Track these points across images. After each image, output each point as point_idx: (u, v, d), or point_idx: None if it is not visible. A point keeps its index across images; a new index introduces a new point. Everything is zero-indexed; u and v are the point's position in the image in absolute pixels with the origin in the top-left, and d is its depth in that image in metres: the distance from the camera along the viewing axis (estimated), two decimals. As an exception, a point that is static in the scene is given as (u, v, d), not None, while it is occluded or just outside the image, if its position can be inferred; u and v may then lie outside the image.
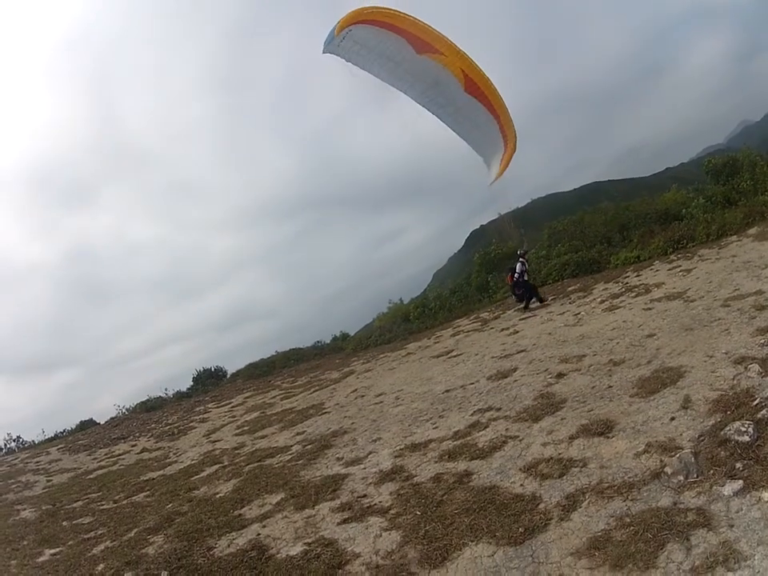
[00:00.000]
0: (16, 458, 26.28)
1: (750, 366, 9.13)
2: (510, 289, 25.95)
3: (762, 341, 10.10)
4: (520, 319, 21.85)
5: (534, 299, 24.17)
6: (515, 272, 24.46)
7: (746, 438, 6.96)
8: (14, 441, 32.88)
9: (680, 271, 19.35)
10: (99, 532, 11.26)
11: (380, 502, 8.95)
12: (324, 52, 12.44)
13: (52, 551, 10.79)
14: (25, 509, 14.54)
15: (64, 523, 12.57)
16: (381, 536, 7.86)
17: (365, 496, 9.37)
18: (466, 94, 12.46)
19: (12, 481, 19.43)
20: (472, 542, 6.97)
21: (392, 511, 8.47)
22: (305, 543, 8.31)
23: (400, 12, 12.06)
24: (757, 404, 7.77)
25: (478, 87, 12.51)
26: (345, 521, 8.65)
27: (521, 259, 24.52)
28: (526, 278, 24.41)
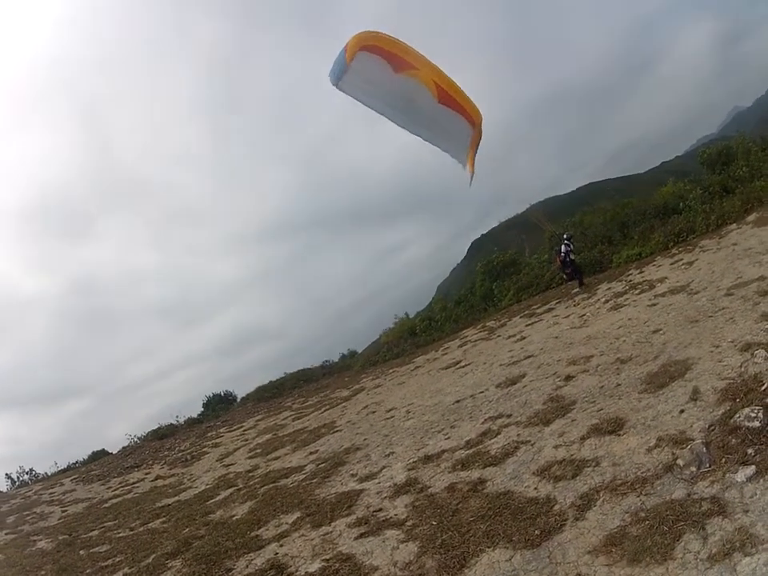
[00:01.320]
0: (30, 490, 26.40)
1: (756, 351, 9.10)
2: (560, 270, 26.75)
3: (767, 326, 10.08)
4: (526, 325, 21.81)
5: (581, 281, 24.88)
6: (561, 252, 25.26)
7: (757, 424, 6.96)
8: (26, 473, 33.02)
9: (682, 264, 19.35)
10: (117, 559, 11.32)
11: (396, 514, 8.95)
12: (338, 85, 11.27)
13: (70, 580, 10.84)
14: (41, 539, 14.61)
15: (81, 552, 12.63)
16: (398, 548, 7.84)
17: (380, 510, 9.36)
18: (439, 105, 12.41)
19: (27, 512, 19.50)
20: (489, 547, 6.95)
21: (408, 523, 8.46)
22: (323, 560, 8.30)
23: (383, 34, 11.97)
24: (765, 389, 7.77)
25: (448, 95, 12.48)
26: (361, 535, 8.64)
27: (566, 241, 25.33)
28: (572, 258, 25.23)
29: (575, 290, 24.37)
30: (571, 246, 25.31)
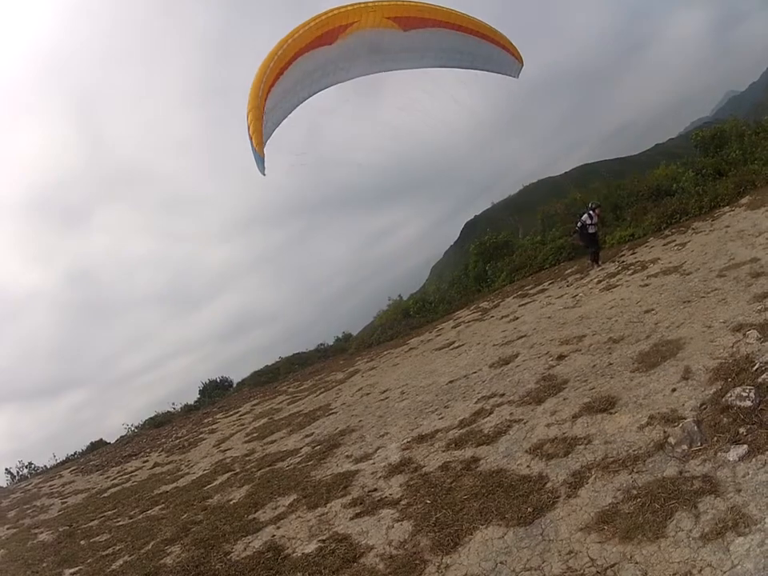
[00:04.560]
0: (29, 484, 26.55)
1: (748, 332, 9.17)
2: (573, 238, 25.23)
3: (760, 307, 10.13)
4: (519, 305, 21.86)
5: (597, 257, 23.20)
6: (579, 221, 23.35)
7: (748, 403, 7.02)
8: (26, 467, 33.08)
9: (675, 245, 19.37)
10: (117, 548, 11.37)
11: (390, 494, 9.05)
12: (265, 173, 11.58)
13: (71, 570, 10.92)
14: (42, 532, 14.66)
15: (82, 542, 12.68)
16: (393, 527, 7.94)
17: (375, 490, 9.46)
18: (409, 32, 12.28)
19: (27, 506, 19.60)
20: (482, 525, 7.04)
21: (403, 502, 8.56)
22: (319, 540, 8.40)
23: (288, 38, 11.74)
24: (757, 369, 7.83)
25: (416, 18, 12.35)
26: (357, 515, 8.75)
27: (589, 210, 23.15)
28: (592, 231, 23.03)
29: (587, 264, 23.56)
30: (594, 218, 22.88)
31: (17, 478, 32.01)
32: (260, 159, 11.14)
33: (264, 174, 11.25)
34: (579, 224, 23.24)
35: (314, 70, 12.15)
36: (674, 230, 22.18)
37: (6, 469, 32.76)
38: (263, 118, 11.30)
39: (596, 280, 19.50)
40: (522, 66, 15.64)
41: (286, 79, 11.71)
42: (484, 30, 14.17)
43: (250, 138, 11.09)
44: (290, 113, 12.51)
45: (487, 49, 14.42)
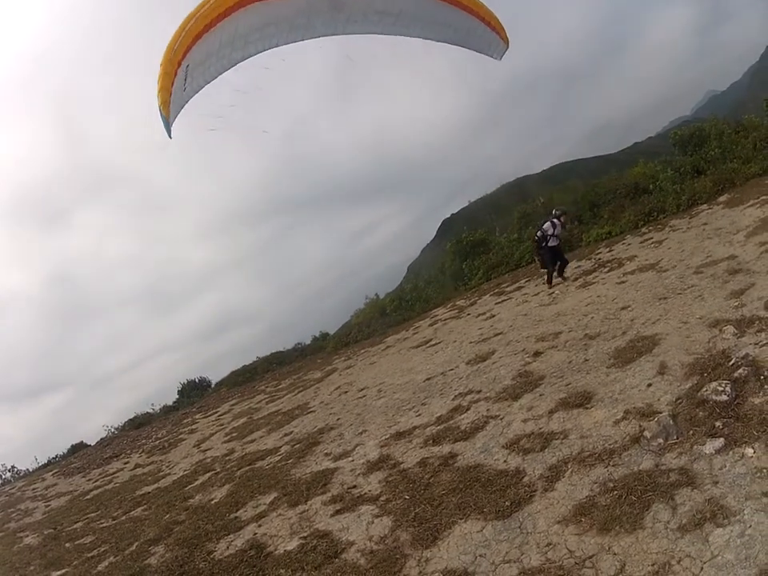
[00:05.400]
0: (13, 488, 26.66)
1: (725, 328, 9.28)
2: (534, 251, 21.51)
3: (736, 303, 10.25)
4: (496, 303, 21.95)
5: (561, 269, 20.04)
6: (537, 233, 19.76)
7: (724, 398, 7.11)
8: (9, 471, 33.01)
9: (652, 243, 19.55)
10: (102, 549, 11.39)
11: (370, 490, 9.09)
12: (171, 136, 10.43)
13: (58, 573, 10.95)
14: (27, 535, 14.69)
15: (67, 545, 12.70)
16: (373, 523, 7.98)
17: (354, 486, 9.51)
18: None
19: (12, 510, 19.64)
20: (461, 519, 7.10)
21: (382, 498, 8.60)
22: (300, 537, 8.42)
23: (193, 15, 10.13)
24: (733, 364, 7.93)
25: None
26: (337, 512, 8.79)
27: (553, 219, 19.47)
28: (553, 244, 19.53)
29: (543, 280, 20.47)
30: (557, 228, 19.34)
31: (0, 481, 31.89)
32: (164, 120, 10.05)
33: (170, 137, 10.29)
34: (539, 233, 19.67)
35: (263, 25, 11.09)
36: (651, 228, 22.43)
37: None
38: (178, 74, 10.15)
39: (572, 278, 19.54)
40: (508, 47, 14.24)
41: (222, 31, 10.54)
42: (467, 1, 12.81)
43: (157, 96, 9.94)
44: (227, 69, 11.21)
45: (470, 22, 13.15)
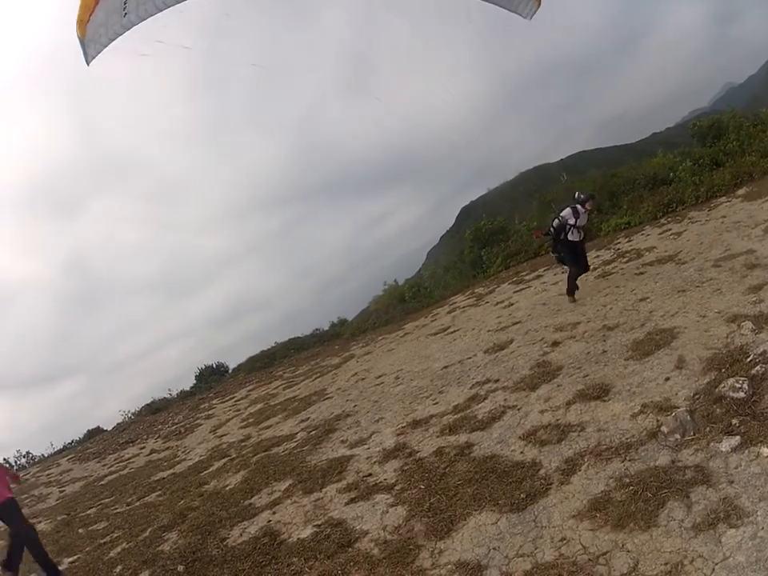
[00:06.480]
0: (27, 473, 26.63)
1: (742, 323, 9.17)
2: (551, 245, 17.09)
3: (754, 299, 10.13)
4: (514, 291, 21.84)
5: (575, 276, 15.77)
6: (553, 223, 15.78)
7: (742, 395, 7.05)
8: (24, 457, 33.23)
9: (671, 234, 19.37)
10: (115, 535, 11.46)
11: (385, 479, 9.12)
12: (90, 62, 9.62)
13: (70, 559, 10.99)
14: (40, 521, 14.72)
15: (80, 531, 12.79)
16: (387, 512, 8.00)
17: (370, 475, 9.53)
18: None
19: (25, 495, 19.63)
20: (476, 511, 7.10)
21: (397, 487, 8.63)
22: (314, 525, 8.46)
23: None
24: (751, 360, 7.85)
25: None
26: (352, 500, 8.82)
27: (577, 205, 15.36)
28: (573, 238, 15.55)
29: (562, 269, 17.06)
30: (579, 216, 15.31)
31: (15, 467, 32.07)
32: (81, 42, 9.23)
33: (87, 64, 9.50)
34: (556, 223, 15.62)
35: None
36: (670, 219, 22.18)
37: (5, 459, 32.83)
38: None
39: (591, 267, 19.37)
40: (540, 5, 12.65)
41: None
42: None
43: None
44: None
45: None
